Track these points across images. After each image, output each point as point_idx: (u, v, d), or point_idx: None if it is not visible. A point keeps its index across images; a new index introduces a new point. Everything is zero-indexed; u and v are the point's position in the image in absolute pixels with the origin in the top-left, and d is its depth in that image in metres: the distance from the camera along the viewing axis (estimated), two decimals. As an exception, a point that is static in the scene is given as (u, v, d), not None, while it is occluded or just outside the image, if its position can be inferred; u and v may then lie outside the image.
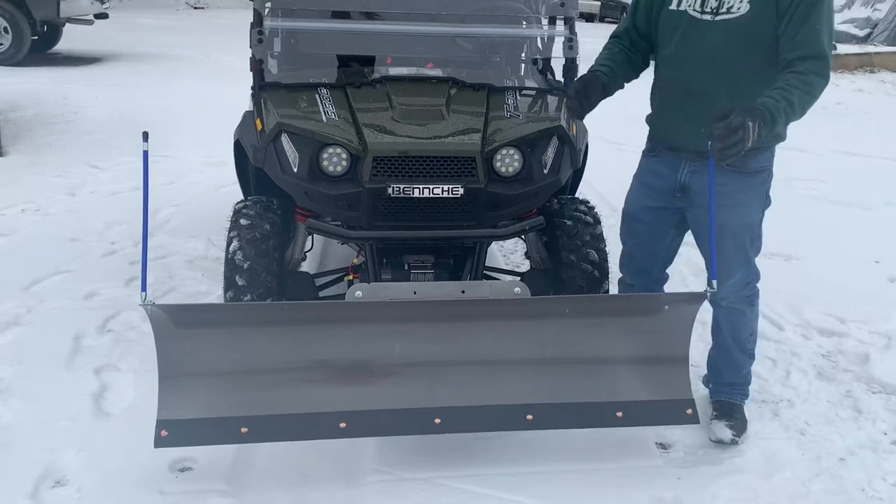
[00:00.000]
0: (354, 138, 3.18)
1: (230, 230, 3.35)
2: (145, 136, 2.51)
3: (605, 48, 2.99)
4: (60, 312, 4.07)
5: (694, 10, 2.71)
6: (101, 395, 3.33)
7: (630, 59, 2.99)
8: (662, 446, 3.09)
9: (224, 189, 6.08)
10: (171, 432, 2.63)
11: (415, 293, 2.64)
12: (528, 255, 3.74)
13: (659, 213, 3.02)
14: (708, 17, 2.68)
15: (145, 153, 2.53)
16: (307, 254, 3.65)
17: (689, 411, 2.89)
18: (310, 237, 3.64)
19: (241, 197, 3.94)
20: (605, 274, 3.40)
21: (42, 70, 11.09)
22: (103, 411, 3.22)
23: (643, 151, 3.09)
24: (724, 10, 2.64)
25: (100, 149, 7.37)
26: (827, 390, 3.55)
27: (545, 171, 3.33)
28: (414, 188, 3.12)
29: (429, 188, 3.13)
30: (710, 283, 2.70)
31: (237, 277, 3.23)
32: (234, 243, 3.28)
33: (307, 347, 2.64)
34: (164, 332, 2.57)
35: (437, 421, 2.73)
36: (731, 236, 2.88)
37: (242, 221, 3.33)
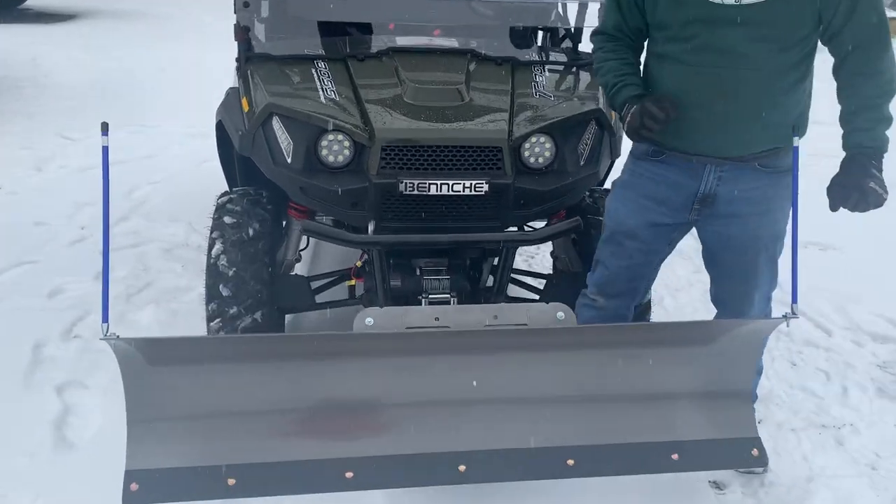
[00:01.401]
0: (359, 123, 2.69)
1: (212, 229, 2.86)
2: (105, 127, 2.02)
3: (612, 54, 2.46)
4: (20, 314, 3.58)
5: None
6: (63, 420, 2.86)
7: (638, 61, 2.52)
8: (717, 486, 2.68)
9: (208, 164, 5.52)
10: (144, 486, 2.18)
11: (437, 319, 2.18)
12: (553, 255, 3.28)
13: (662, 230, 2.52)
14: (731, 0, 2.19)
15: (105, 149, 2.03)
16: (302, 253, 3.16)
17: (755, 452, 2.46)
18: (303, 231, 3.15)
19: (226, 185, 3.44)
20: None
21: (10, 28, 10.37)
22: (66, 441, 2.75)
23: (636, 154, 2.53)
24: None
25: (71, 117, 6.80)
26: (892, 411, 3.14)
27: (581, 163, 2.86)
28: (430, 184, 2.64)
29: (447, 184, 2.65)
30: (792, 307, 2.25)
31: (221, 286, 2.76)
32: (218, 246, 2.80)
33: (307, 385, 2.19)
34: (132, 370, 2.11)
35: (462, 468, 2.29)
36: (764, 248, 2.46)
37: (227, 220, 2.84)
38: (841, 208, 2.22)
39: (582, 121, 2.85)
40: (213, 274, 2.78)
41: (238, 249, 2.78)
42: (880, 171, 2.18)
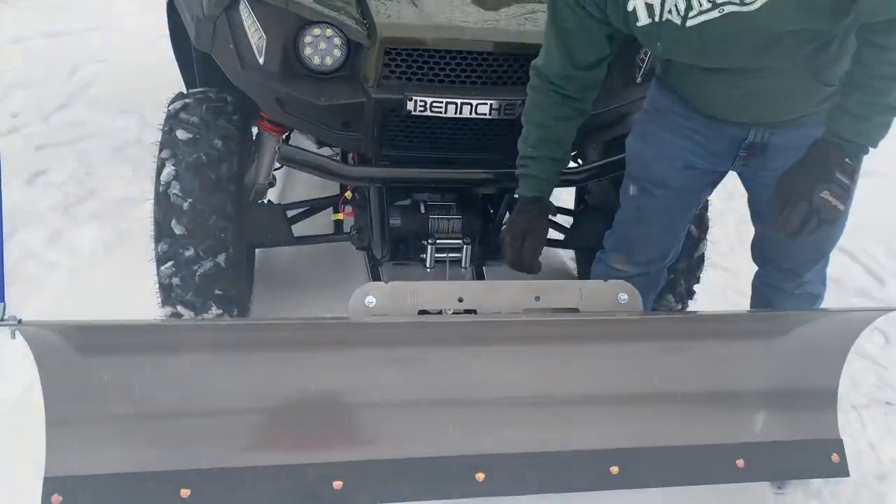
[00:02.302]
0: (354, 13, 2.04)
1: (161, 146, 2.23)
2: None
3: (541, 114, 1.89)
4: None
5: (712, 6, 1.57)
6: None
7: (578, 120, 1.93)
8: (776, 484, 2.24)
9: (167, 40, 4.75)
10: (69, 497, 1.67)
11: (460, 301, 1.62)
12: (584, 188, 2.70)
13: (699, 175, 2.00)
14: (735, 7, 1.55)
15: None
16: (276, 174, 2.55)
17: (836, 458, 2.02)
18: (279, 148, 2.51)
19: (182, 84, 2.76)
20: (704, 226, 2.43)
21: None
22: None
23: (659, 88, 1.97)
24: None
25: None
26: (963, 383, 2.71)
27: (638, 80, 2.24)
28: (448, 103, 2.02)
29: (470, 104, 2.03)
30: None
31: (173, 222, 2.16)
32: (168, 169, 2.18)
33: (288, 376, 1.66)
34: (51, 359, 1.55)
35: (480, 477, 1.81)
36: None
37: (180, 134, 2.20)
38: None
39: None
40: (164, 205, 2.17)
41: (195, 174, 2.16)
42: (853, 173, 1.60)
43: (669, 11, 1.59)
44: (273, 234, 2.46)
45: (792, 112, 1.78)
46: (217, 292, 2.25)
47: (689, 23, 1.58)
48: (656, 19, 1.62)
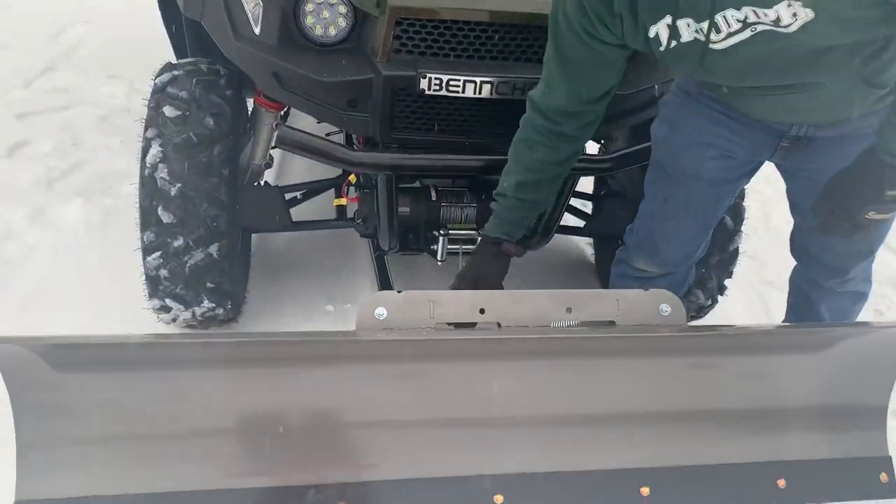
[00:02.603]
0: (360, -22, 1.82)
1: (147, 124, 2.02)
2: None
3: (531, 159, 1.69)
4: None
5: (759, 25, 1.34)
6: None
7: (567, 165, 1.73)
8: None
9: None
10: (41, 522, 1.50)
11: (482, 312, 1.43)
12: (607, 171, 2.50)
13: (734, 165, 1.77)
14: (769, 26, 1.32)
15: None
16: (273, 153, 2.34)
17: (884, 477, 1.84)
18: (277, 126, 2.29)
19: (172, 54, 2.53)
20: (739, 218, 2.24)
21: None
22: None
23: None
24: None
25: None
26: None
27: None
28: (467, 81, 1.81)
29: (491, 83, 1.81)
30: None
31: (160, 209, 1.96)
32: (155, 150, 1.97)
33: (284, 395, 1.48)
34: (22, 378, 1.37)
35: (499, 499, 1.63)
36: None
37: (168, 111, 1.99)
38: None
39: None
40: (150, 190, 1.97)
41: (184, 157, 1.96)
42: None
43: (697, 32, 1.37)
44: (270, 219, 2.26)
45: (841, 115, 1.57)
46: (209, 285, 2.06)
47: (720, 45, 1.37)
48: (682, 40, 1.40)
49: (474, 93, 1.82)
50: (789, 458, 1.80)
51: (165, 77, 2.07)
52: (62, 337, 1.41)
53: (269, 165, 2.31)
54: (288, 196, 2.29)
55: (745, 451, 1.76)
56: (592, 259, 2.87)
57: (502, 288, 1.74)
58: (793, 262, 2.96)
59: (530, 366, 1.48)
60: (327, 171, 2.42)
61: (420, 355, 1.42)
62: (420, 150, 1.93)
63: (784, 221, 3.22)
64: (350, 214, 2.34)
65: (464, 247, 2.11)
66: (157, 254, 2.00)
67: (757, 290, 2.87)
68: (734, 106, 1.65)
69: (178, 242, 1.98)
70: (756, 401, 1.76)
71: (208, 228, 1.98)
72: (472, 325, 1.47)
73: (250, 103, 2.29)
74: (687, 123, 1.73)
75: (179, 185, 1.95)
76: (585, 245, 2.95)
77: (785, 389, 1.76)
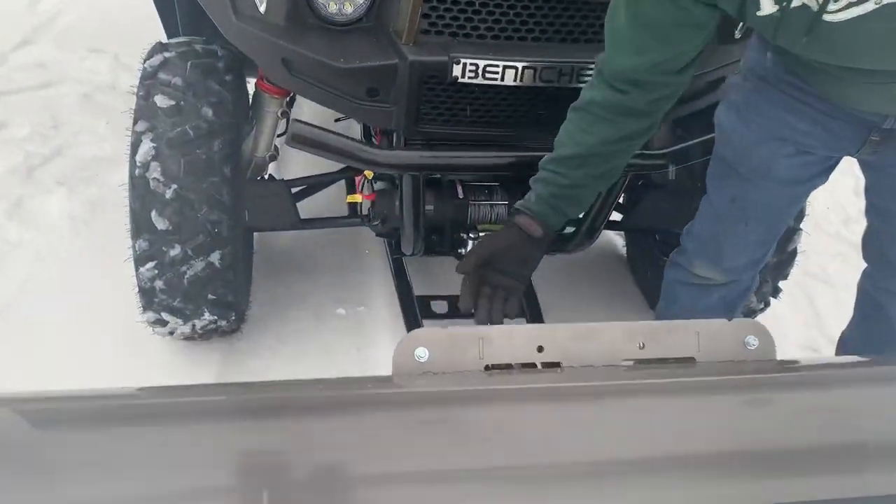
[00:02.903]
0: (382, -55, 1.57)
1: (137, 115, 1.77)
2: None
3: (589, 135, 1.41)
4: None
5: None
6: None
7: (633, 146, 1.45)
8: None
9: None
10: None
11: (540, 350, 1.21)
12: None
13: (813, 162, 1.55)
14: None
15: None
16: (278, 142, 2.09)
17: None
18: (283, 114, 2.04)
19: (160, 24, 2.26)
20: (800, 216, 2.02)
21: None
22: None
23: (765, 50, 1.48)
24: None
25: None
26: None
27: (737, 36, 1.78)
28: (507, 66, 1.57)
29: (534, 68, 1.57)
30: None
31: (154, 215, 1.72)
32: (146, 146, 1.72)
33: (308, 451, 1.24)
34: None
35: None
36: None
37: (160, 100, 1.74)
38: None
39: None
40: (141, 193, 1.73)
41: (180, 154, 1.71)
42: None
43: None
44: (276, 217, 2.03)
45: None
46: (210, 297, 1.84)
47: (836, 17, 1.13)
48: (789, 5, 1.16)
49: (514, 80, 1.58)
50: (874, 493, 1.61)
51: (156, 60, 1.81)
52: (38, 394, 1.19)
53: (273, 158, 2.07)
54: (294, 190, 2.06)
55: (856, 489, 1.56)
56: (623, 251, 2.66)
57: (524, 275, 1.49)
58: (837, 253, 2.73)
59: (600, 413, 1.27)
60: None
61: (471, 405, 1.20)
62: (450, 145, 1.70)
63: (825, 208, 3.01)
64: (365, 211, 2.10)
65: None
66: (152, 264, 1.76)
67: (801, 283, 2.65)
68: (824, 93, 1.41)
69: (175, 251, 1.74)
70: (862, 438, 1.55)
71: (209, 235, 1.75)
72: (530, 365, 1.25)
73: (250, 85, 2.04)
74: (760, 113, 1.50)
75: (175, 186, 1.71)
76: (615, 235, 2.73)
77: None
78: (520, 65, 1.57)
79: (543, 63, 1.57)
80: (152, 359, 2.05)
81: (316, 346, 2.19)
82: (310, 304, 2.32)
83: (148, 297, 1.82)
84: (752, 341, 1.30)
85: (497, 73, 1.57)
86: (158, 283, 1.78)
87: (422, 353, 1.18)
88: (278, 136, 2.09)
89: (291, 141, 1.62)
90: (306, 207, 2.19)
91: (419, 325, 2.04)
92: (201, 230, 1.74)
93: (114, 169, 2.75)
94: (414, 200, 1.73)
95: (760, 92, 1.50)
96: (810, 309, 2.54)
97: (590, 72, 1.59)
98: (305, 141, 1.62)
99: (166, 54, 1.82)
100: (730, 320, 1.33)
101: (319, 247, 2.48)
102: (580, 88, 1.59)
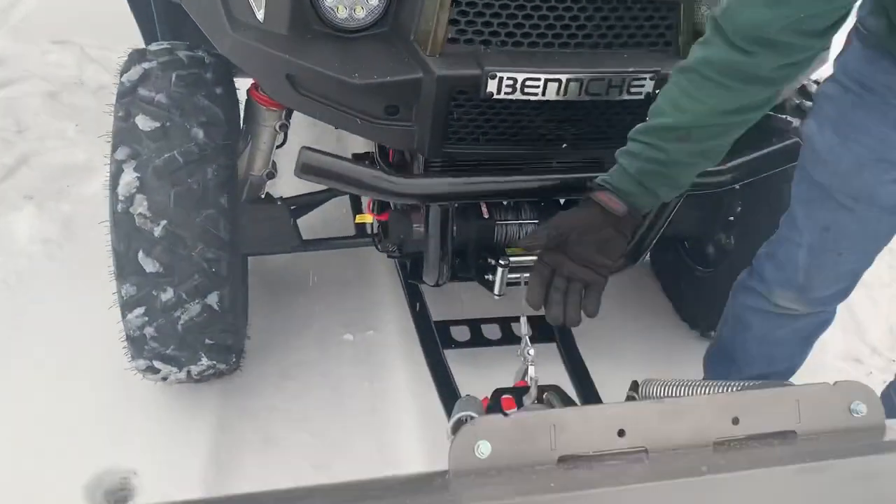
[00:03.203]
0: (397, -62, 1.35)
1: (116, 140, 1.53)
2: None
3: (698, 101, 1.16)
4: None
5: None
6: None
7: (748, 119, 1.20)
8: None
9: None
10: None
11: (622, 434, 1.02)
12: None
13: None
14: None
15: None
16: (276, 158, 1.86)
17: None
18: (281, 127, 1.80)
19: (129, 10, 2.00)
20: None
21: None
22: None
23: (870, 53, 1.29)
24: None
25: None
26: None
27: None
28: (550, 79, 1.36)
29: (580, 79, 1.36)
30: None
31: (142, 255, 1.49)
32: (129, 176, 1.49)
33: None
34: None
35: None
36: None
37: (142, 122, 1.50)
38: None
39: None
40: (125, 231, 1.50)
41: (169, 184, 1.48)
42: None
43: None
44: (276, 240, 1.83)
45: None
46: (208, 342, 1.62)
47: None
48: None
49: (558, 94, 1.37)
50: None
51: (134, 73, 1.56)
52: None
53: (272, 175, 1.84)
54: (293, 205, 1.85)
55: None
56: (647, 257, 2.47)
57: (605, 265, 1.24)
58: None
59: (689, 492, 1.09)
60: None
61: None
62: (479, 168, 1.48)
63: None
64: (375, 230, 1.88)
65: (526, 275, 1.68)
66: (140, 310, 1.54)
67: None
68: None
69: (167, 295, 1.52)
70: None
71: (205, 275, 1.53)
72: (612, 453, 1.06)
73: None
74: (863, 131, 1.30)
75: (165, 222, 1.48)
76: (636, 239, 2.54)
77: None
78: (564, 77, 1.35)
79: (591, 74, 1.36)
80: (141, 404, 1.84)
81: (323, 379, 1.99)
82: (313, 330, 2.11)
83: (137, 345, 1.60)
84: (859, 408, 1.11)
85: (538, 87, 1.35)
86: (149, 331, 1.56)
87: (483, 448, 0.99)
88: (277, 147, 1.86)
89: (300, 172, 1.39)
90: (307, 224, 1.98)
91: (440, 356, 1.84)
92: (196, 270, 1.51)
93: (88, 178, 2.52)
94: (442, 231, 1.52)
95: (864, 106, 1.30)
96: (853, 324, 2.35)
97: (642, 81, 1.39)
98: (317, 172, 1.39)
99: (146, 65, 1.57)
100: (833, 384, 1.14)
101: (319, 262, 2.26)
102: (630, 101, 1.40)
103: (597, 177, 1.24)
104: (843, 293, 1.52)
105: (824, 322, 1.58)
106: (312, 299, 2.19)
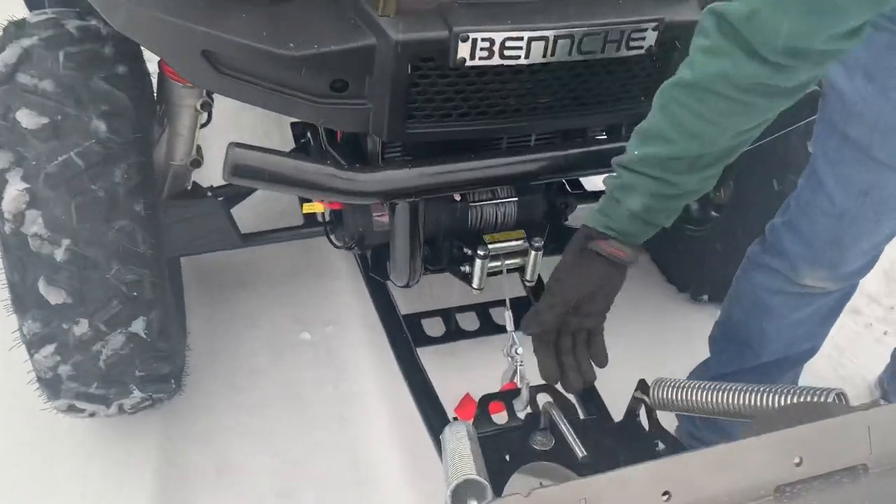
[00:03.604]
0: None
1: (-4, 142, 1.22)
2: None
3: (699, 111, 0.95)
4: None
5: None
6: None
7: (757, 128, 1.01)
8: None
9: None
10: None
11: (667, 496, 0.81)
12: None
13: None
14: None
15: None
16: (200, 141, 1.56)
17: None
18: (203, 106, 1.50)
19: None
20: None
21: None
22: None
23: None
24: None
25: None
26: None
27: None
28: (533, 38, 1.10)
29: (570, 35, 1.11)
30: None
31: (43, 285, 1.21)
32: (15, 189, 1.19)
33: None
34: None
35: None
36: None
37: (25, 118, 1.19)
38: None
39: None
40: (18, 257, 1.21)
41: (67, 193, 1.19)
42: None
43: None
44: (210, 239, 1.56)
45: None
46: (139, 374, 1.36)
47: None
48: None
49: (544, 56, 1.12)
50: None
51: (10, 53, 1.24)
52: None
53: (197, 164, 1.54)
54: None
55: None
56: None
57: (606, 309, 1.10)
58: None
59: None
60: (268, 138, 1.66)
61: None
62: (451, 154, 1.23)
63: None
64: (328, 218, 1.62)
65: (508, 262, 1.46)
66: (50, 348, 1.26)
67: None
68: None
69: (81, 329, 1.24)
70: None
71: (126, 300, 1.25)
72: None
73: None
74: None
75: (67, 241, 1.19)
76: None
77: None
78: (551, 34, 1.10)
79: (585, 28, 1.10)
80: (70, 440, 1.57)
81: (280, 388, 1.75)
82: (263, 331, 1.86)
83: (52, 386, 1.33)
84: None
85: (520, 48, 1.10)
86: (64, 370, 1.29)
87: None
88: (201, 127, 1.56)
89: (230, 175, 1.11)
90: (245, 214, 1.70)
91: (412, 354, 1.60)
92: (114, 296, 1.24)
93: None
94: (412, 227, 1.27)
95: None
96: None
97: (643, 32, 1.15)
98: (251, 174, 1.11)
99: (25, 42, 1.25)
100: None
101: (262, 256, 1.98)
102: (634, 57, 1.16)
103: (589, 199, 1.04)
104: (872, 262, 1.34)
105: (847, 294, 1.40)
106: (257, 297, 1.92)
